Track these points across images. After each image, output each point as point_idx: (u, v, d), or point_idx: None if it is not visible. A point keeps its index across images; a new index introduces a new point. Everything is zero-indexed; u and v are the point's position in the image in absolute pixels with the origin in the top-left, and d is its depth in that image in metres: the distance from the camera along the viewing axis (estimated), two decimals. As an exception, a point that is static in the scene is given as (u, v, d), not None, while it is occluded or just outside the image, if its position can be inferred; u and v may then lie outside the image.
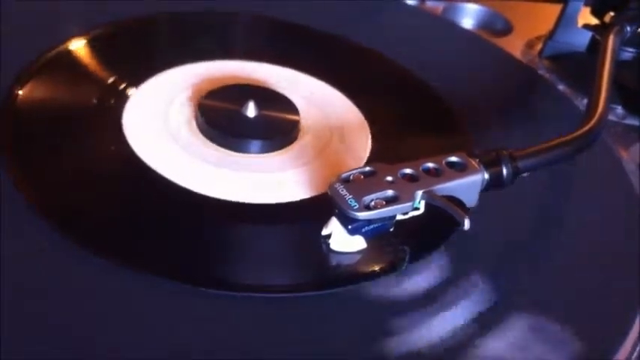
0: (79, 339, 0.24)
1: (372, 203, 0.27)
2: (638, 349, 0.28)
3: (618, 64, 0.40)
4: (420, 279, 0.29)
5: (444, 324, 0.27)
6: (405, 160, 0.29)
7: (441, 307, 0.28)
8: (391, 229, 0.29)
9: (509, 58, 0.48)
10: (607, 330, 0.29)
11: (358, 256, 0.29)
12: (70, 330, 0.24)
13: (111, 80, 0.37)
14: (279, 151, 0.34)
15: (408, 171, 0.29)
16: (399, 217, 0.28)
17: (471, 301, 0.29)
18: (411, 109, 0.41)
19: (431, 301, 0.28)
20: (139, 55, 0.40)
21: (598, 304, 0.30)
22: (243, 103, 0.35)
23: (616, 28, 0.43)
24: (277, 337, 0.26)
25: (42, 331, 0.24)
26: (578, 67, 0.49)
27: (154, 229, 0.29)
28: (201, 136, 0.34)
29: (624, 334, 0.28)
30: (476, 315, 0.28)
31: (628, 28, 0.44)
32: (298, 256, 0.30)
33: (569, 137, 0.32)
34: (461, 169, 0.29)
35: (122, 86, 0.37)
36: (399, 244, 0.30)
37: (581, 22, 0.50)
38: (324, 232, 0.29)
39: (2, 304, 0.24)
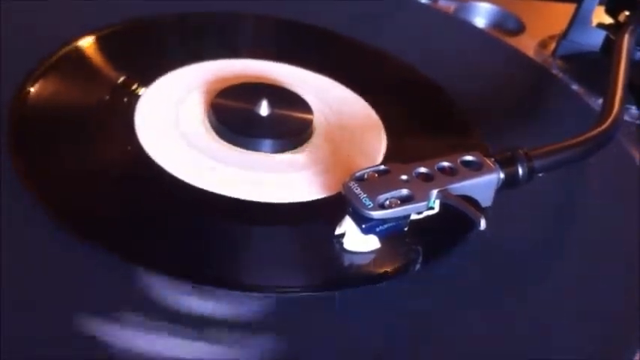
0: (80, 338, 0.24)
1: (387, 202, 0.27)
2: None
3: (633, 64, 0.40)
4: (433, 280, 0.29)
5: (452, 325, 0.27)
6: (420, 159, 0.29)
7: (450, 307, 0.28)
8: (405, 229, 0.28)
9: (522, 57, 0.47)
10: (613, 333, 0.29)
11: (372, 256, 0.29)
12: (70, 329, 0.24)
13: (122, 78, 0.37)
14: (293, 150, 0.34)
15: (422, 170, 0.28)
16: (414, 216, 0.28)
17: (478, 302, 0.29)
18: (424, 109, 0.41)
19: (442, 302, 0.28)
20: (150, 53, 0.40)
21: (610, 307, 0.30)
22: (256, 102, 0.35)
23: (630, 28, 0.43)
24: (289, 337, 0.26)
25: (42, 330, 0.24)
26: (592, 67, 0.48)
27: (166, 228, 0.29)
28: (213, 134, 0.34)
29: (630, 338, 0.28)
30: (480, 318, 0.28)
31: (643, 28, 0.44)
32: (311, 256, 0.30)
33: (584, 137, 0.32)
34: (476, 169, 0.29)
35: (133, 85, 0.37)
36: (413, 244, 0.30)
37: (595, 21, 0.50)
38: (338, 231, 0.29)
39: (3, 302, 0.24)
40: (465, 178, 0.28)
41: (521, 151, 0.30)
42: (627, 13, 0.47)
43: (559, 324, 0.28)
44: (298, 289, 0.28)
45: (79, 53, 0.38)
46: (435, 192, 0.28)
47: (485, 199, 0.29)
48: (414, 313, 0.28)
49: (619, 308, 0.30)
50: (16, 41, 0.37)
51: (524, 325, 0.28)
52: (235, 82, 0.37)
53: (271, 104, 0.35)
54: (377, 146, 0.36)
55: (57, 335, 0.24)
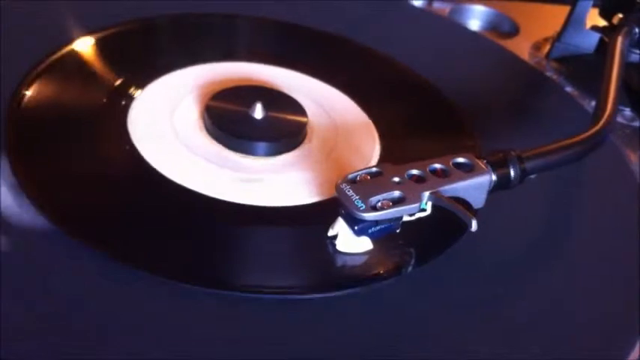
0: (79, 338, 0.24)
1: (379, 204, 0.27)
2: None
3: (627, 66, 0.40)
4: (426, 281, 0.29)
5: (446, 326, 0.27)
6: (414, 161, 0.29)
7: (444, 309, 0.28)
8: (398, 230, 0.28)
9: (516, 59, 0.47)
10: (611, 334, 0.29)
11: (364, 257, 0.29)
12: (69, 329, 0.24)
13: (117, 81, 0.37)
14: (287, 153, 0.34)
15: (415, 172, 0.28)
16: (406, 218, 0.28)
17: (474, 304, 0.29)
18: (418, 111, 0.41)
19: (435, 304, 0.28)
20: (144, 56, 0.40)
21: (608, 307, 0.30)
22: (250, 105, 0.35)
23: (624, 30, 0.43)
24: (282, 339, 0.26)
25: (42, 331, 0.24)
26: (586, 69, 0.48)
27: (159, 230, 0.29)
28: (208, 137, 0.34)
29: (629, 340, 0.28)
30: (479, 318, 0.28)
31: (636, 30, 0.44)
32: (304, 258, 0.30)
33: (577, 139, 0.32)
34: (468, 170, 0.29)
35: (128, 87, 0.37)
36: (405, 245, 0.30)
37: (589, 23, 0.50)
38: (331, 232, 0.29)
39: (3, 303, 0.24)
40: (457, 179, 0.28)
41: (513, 153, 0.30)
42: (621, 15, 0.47)
43: (558, 324, 0.28)
44: (289, 291, 0.28)
45: (74, 56, 0.38)
46: (426, 194, 0.28)
47: (478, 200, 0.29)
48: (407, 313, 0.28)
49: (618, 308, 0.30)
50: (14, 42, 0.37)
51: (523, 325, 0.28)
52: (230, 84, 0.37)
53: (265, 107, 0.35)
54: (371, 148, 0.36)
55: (56, 335, 0.24)
